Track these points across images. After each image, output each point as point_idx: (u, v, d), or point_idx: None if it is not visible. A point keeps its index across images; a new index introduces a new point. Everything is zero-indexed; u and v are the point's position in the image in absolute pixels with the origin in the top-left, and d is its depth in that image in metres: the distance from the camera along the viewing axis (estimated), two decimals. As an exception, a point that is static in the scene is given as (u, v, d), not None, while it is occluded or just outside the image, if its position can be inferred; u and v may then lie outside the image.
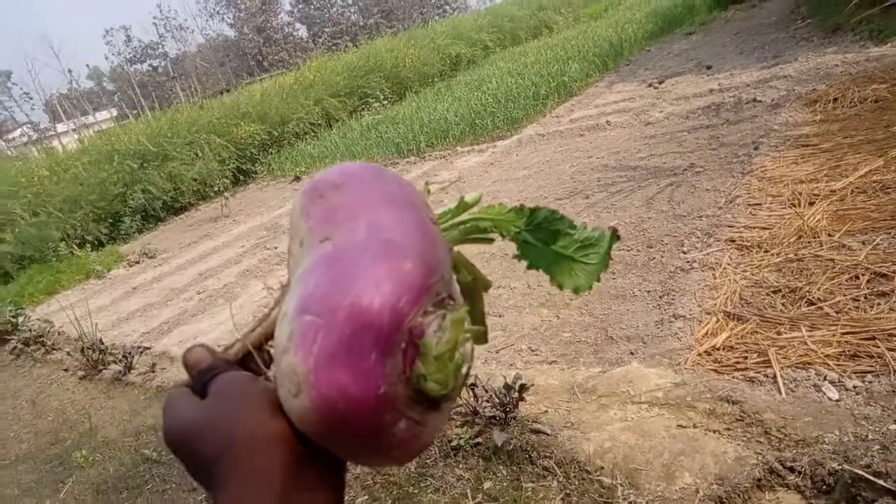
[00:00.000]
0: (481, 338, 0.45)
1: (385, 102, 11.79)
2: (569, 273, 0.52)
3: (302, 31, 47.50)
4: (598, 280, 0.51)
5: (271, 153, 10.45)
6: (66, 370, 4.35)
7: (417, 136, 7.63)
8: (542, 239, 0.51)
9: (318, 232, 0.42)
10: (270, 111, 10.93)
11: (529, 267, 0.53)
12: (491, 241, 0.53)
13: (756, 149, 3.93)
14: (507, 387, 2.20)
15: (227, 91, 16.79)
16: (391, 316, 0.35)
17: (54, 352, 4.81)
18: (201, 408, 0.40)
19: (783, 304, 2.39)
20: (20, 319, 5.40)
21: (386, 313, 0.35)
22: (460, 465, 2.15)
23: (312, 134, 11.02)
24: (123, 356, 3.92)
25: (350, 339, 0.34)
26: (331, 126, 11.31)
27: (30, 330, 5.14)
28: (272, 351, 0.40)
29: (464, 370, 0.37)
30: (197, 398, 0.41)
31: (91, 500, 2.75)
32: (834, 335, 2.14)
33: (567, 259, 0.52)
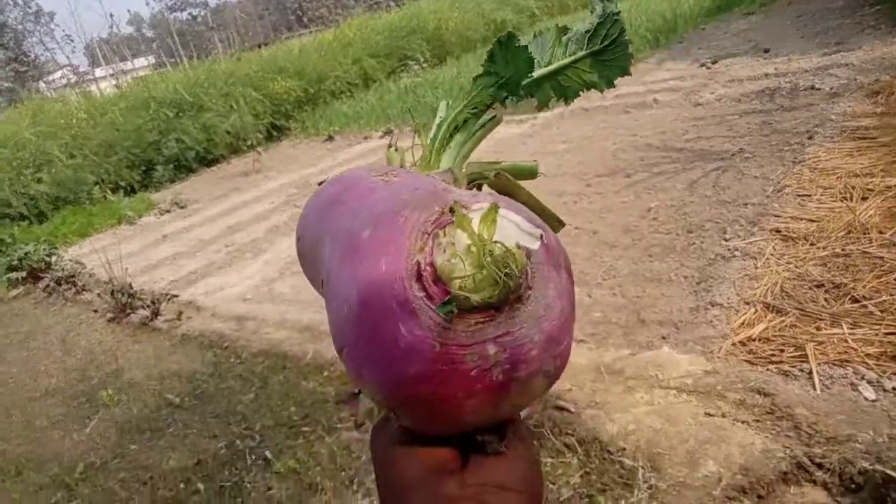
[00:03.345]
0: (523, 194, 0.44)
1: (425, 65, 11.61)
2: (594, 71, 0.48)
3: (343, -11, 46.95)
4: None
5: (306, 110, 10.41)
6: (95, 311, 4.44)
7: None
8: (515, 77, 0.46)
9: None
10: (308, 68, 10.86)
11: (561, 97, 0.50)
12: (494, 121, 0.50)
13: (810, 138, 3.76)
14: (533, 361, 2.17)
15: (266, 45, 16.77)
16: (376, 289, 0.33)
17: (85, 293, 4.92)
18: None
19: (825, 300, 2.31)
20: (53, 259, 5.53)
21: (370, 292, 0.33)
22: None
23: (349, 93, 10.93)
24: (151, 302, 3.98)
25: (372, 332, 0.33)
26: (368, 86, 11.20)
27: (62, 270, 5.26)
28: None
29: (515, 253, 0.32)
30: None
31: (115, 438, 2.82)
32: (876, 334, 2.07)
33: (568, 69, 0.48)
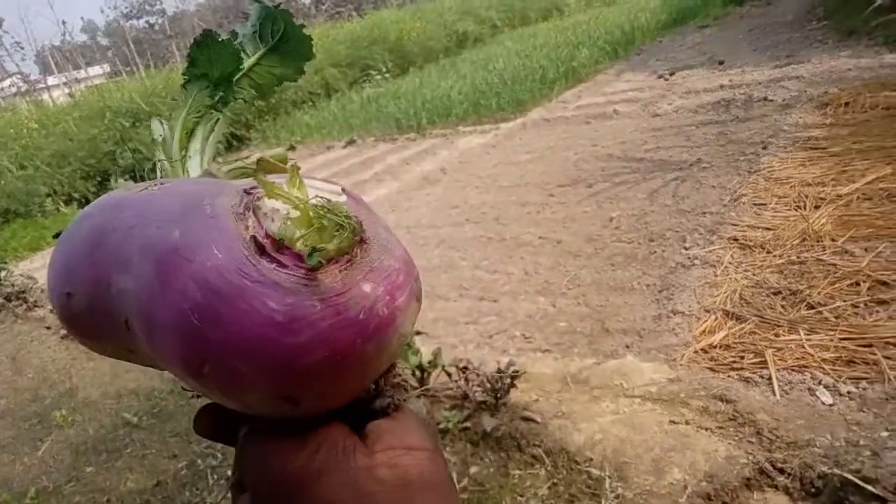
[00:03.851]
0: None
1: (387, 76, 11.59)
2: (278, 65, 0.50)
3: (305, -2, 46.61)
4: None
5: (267, 120, 10.26)
6: (47, 328, 4.27)
7: (419, 112, 7.51)
8: (225, 74, 0.48)
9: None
10: (269, 77, 10.71)
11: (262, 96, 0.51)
12: (220, 123, 0.51)
13: (764, 148, 3.89)
14: (500, 372, 2.18)
15: (226, 54, 16.48)
16: (224, 279, 0.31)
17: (36, 309, 4.72)
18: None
19: (783, 307, 2.37)
20: (2, 274, 5.29)
21: (218, 284, 0.31)
22: (447, 449, 2.13)
23: (310, 103, 10.82)
24: (108, 317, 3.85)
25: (239, 322, 0.30)
26: (330, 96, 11.11)
27: (12, 285, 5.04)
28: None
29: (337, 202, 0.34)
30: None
31: (70, 460, 2.71)
32: (832, 340, 2.13)
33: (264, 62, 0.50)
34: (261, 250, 0.31)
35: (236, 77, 0.48)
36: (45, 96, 15.64)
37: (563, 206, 3.94)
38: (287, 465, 0.32)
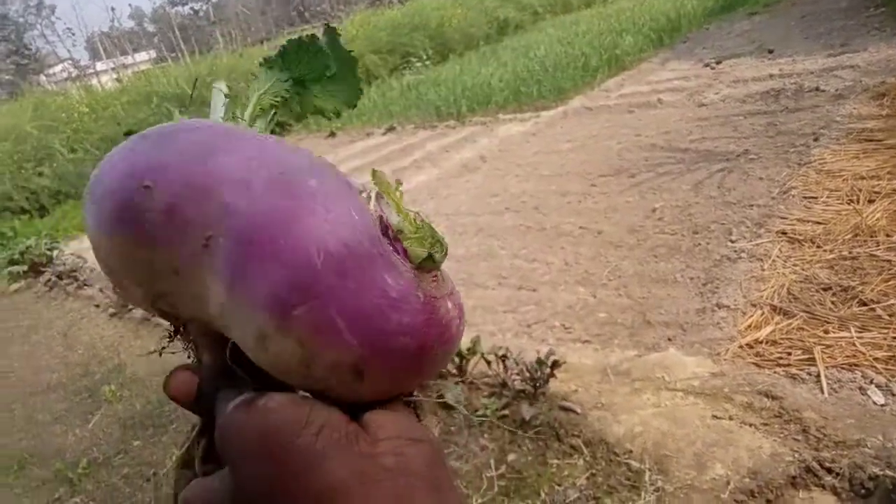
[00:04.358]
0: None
1: (427, 62, 11.56)
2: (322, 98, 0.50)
3: (345, -15, 46.79)
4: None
5: (308, 107, 10.38)
6: (97, 306, 4.42)
7: (459, 99, 7.48)
8: (308, 77, 0.48)
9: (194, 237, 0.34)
10: (310, 64, 10.83)
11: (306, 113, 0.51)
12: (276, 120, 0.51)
13: (816, 140, 3.76)
14: (539, 361, 2.17)
15: (268, 40, 16.74)
16: (357, 238, 0.32)
17: (86, 287, 4.89)
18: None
19: (833, 303, 2.30)
20: (55, 253, 5.51)
21: (351, 240, 0.32)
22: (485, 436, 2.13)
23: (350, 90, 10.91)
24: (154, 296, 3.96)
25: (359, 282, 0.31)
26: (370, 83, 11.16)
27: (63, 264, 5.25)
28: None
29: (428, 223, 0.36)
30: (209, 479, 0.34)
31: (118, 434, 2.81)
32: (885, 338, 2.06)
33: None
34: (384, 231, 0.34)
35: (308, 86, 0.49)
36: (95, 81, 16.10)
37: (604, 196, 3.88)
38: (293, 442, 0.31)
